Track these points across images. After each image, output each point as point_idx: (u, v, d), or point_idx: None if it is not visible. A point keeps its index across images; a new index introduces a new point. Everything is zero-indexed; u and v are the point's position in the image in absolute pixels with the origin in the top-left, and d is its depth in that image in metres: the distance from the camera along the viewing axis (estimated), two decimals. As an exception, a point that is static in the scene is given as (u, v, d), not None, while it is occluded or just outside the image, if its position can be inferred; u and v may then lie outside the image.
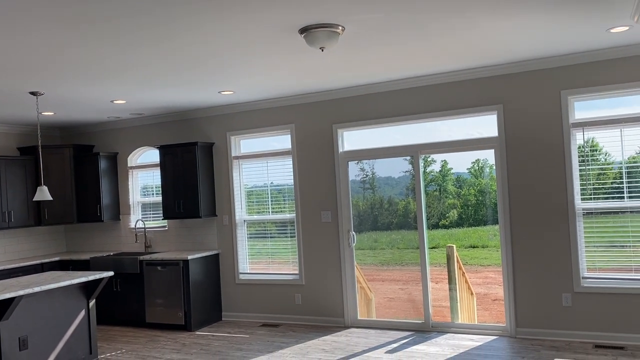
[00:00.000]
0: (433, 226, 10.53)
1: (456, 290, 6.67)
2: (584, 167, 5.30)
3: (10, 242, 7.48)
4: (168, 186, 7.05)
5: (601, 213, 5.26)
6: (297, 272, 6.70)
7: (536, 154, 5.43)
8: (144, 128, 7.62)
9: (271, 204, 6.96)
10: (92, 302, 5.55)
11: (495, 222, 5.70)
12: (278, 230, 6.92)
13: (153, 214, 7.69)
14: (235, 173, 7.06)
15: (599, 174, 5.35)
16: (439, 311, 6.76)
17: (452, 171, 10.54)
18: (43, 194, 5.45)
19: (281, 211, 6.87)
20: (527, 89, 5.45)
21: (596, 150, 5.33)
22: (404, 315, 6.76)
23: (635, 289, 5.04)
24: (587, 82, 5.19)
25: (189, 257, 6.59)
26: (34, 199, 5.65)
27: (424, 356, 5.15)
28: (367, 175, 6.93)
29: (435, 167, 10.21)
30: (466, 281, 6.98)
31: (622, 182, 5.18)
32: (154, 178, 7.64)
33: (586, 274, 5.29)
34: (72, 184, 7.60)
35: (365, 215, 7.13)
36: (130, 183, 7.80)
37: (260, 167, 7.00)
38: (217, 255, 7.10)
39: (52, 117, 7.07)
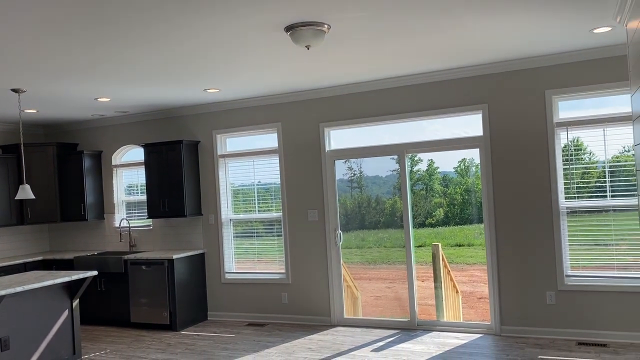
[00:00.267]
0: (420, 225, 10.59)
1: (441, 288, 6.71)
2: (568, 166, 5.35)
3: (-8, 242, 7.38)
4: (153, 185, 7.00)
5: (585, 212, 5.31)
6: (283, 271, 6.69)
7: (521, 153, 5.47)
8: (128, 126, 7.55)
9: (258, 203, 6.94)
10: (76, 302, 5.49)
11: (481, 220, 5.74)
12: (265, 229, 6.90)
13: (138, 213, 7.63)
14: (221, 172, 7.02)
15: (584, 173, 5.40)
16: (425, 309, 6.79)
17: (439, 170, 10.59)
18: (25, 192, 5.38)
19: (268, 210, 6.85)
20: (512, 88, 5.49)
21: (580, 150, 5.39)
22: (390, 314, 6.78)
23: (618, 287, 5.10)
24: (571, 82, 5.24)
25: (174, 257, 6.54)
26: (16, 198, 5.57)
27: (409, 354, 5.16)
28: (354, 174, 6.93)
29: (422, 167, 10.25)
30: (451, 279, 7.02)
31: (605, 182, 5.24)
32: (139, 176, 7.57)
33: (570, 272, 5.34)
34: (56, 183, 7.50)
35: (352, 214, 7.13)
36: (114, 182, 7.73)
37: (246, 166, 6.97)
38: (202, 254, 7.06)
39: (35, 114, 6.98)
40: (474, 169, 9.24)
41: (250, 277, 6.86)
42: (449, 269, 7.03)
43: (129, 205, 7.75)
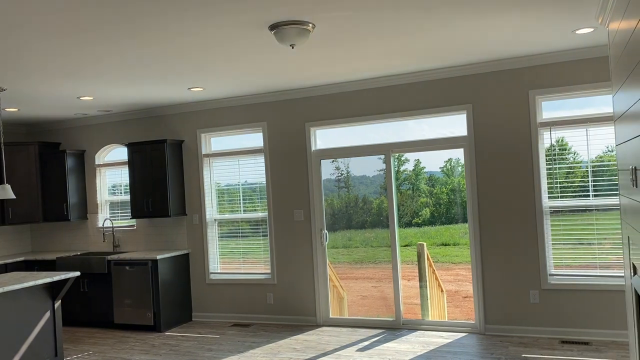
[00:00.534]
0: (406, 224, 10.62)
1: (427, 287, 6.73)
2: (551, 166, 5.39)
3: (-27, 242, 7.26)
4: (136, 184, 6.93)
5: (568, 211, 5.35)
6: (269, 271, 6.66)
7: (505, 153, 5.50)
8: (112, 125, 7.47)
9: (243, 203, 6.91)
10: (58, 303, 5.42)
11: (466, 220, 5.76)
12: (251, 229, 6.87)
13: (121, 213, 7.56)
14: (205, 171, 6.97)
15: (568, 173, 5.44)
16: (411, 308, 6.81)
17: (425, 170, 10.64)
18: (5, 192, 5.30)
19: (254, 210, 6.82)
20: (496, 88, 5.51)
21: (565, 150, 5.43)
22: (376, 313, 6.79)
23: (600, 285, 5.15)
24: (554, 82, 5.28)
25: (158, 257, 6.48)
26: (-4, 198, 5.48)
27: (394, 354, 5.17)
28: (342, 174, 6.93)
29: (409, 166, 10.28)
30: (436, 278, 7.05)
31: (587, 181, 5.28)
32: (122, 176, 7.50)
33: (553, 271, 5.38)
34: (38, 182, 7.40)
35: (340, 214, 7.13)
36: (98, 181, 7.64)
37: (231, 166, 6.93)
38: (187, 254, 7.01)
39: (17, 113, 6.88)
40: (459, 168, 9.30)
41: (235, 278, 6.83)
42: (434, 269, 7.05)
43: (113, 205, 7.67)
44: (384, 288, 6.55)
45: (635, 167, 2.76)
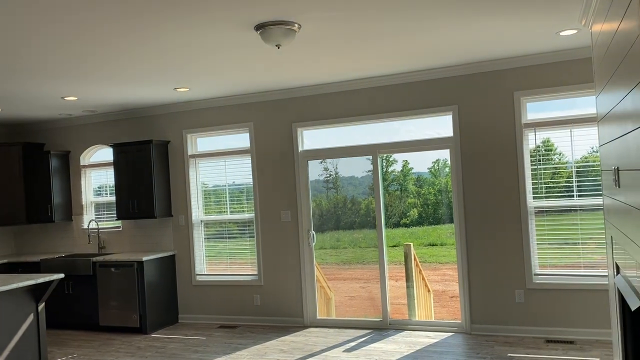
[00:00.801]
0: (394, 225, 10.64)
1: (413, 287, 6.75)
2: (536, 167, 5.43)
3: (-46, 245, 7.16)
4: (122, 186, 6.88)
5: (553, 211, 5.40)
6: (255, 272, 6.64)
7: (490, 154, 5.53)
8: (97, 125, 7.41)
9: (229, 204, 6.88)
10: (42, 306, 5.34)
11: (453, 220, 5.78)
12: (238, 230, 6.84)
13: (107, 214, 7.49)
14: (191, 172, 6.93)
15: (554, 173, 5.48)
16: (398, 309, 6.82)
17: (413, 171, 10.67)
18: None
19: (241, 211, 6.79)
20: (481, 90, 5.55)
21: (550, 150, 5.47)
22: (364, 314, 6.79)
23: (584, 285, 5.19)
24: (538, 83, 5.32)
25: (144, 259, 6.43)
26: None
27: (381, 354, 5.17)
28: (330, 175, 6.93)
29: (397, 167, 10.31)
30: (423, 279, 7.07)
31: (571, 182, 5.33)
32: (108, 177, 7.44)
33: (538, 271, 5.42)
34: (22, 184, 7.31)
35: (328, 215, 7.13)
36: (82, 182, 7.57)
37: (218, 166, 6.90)
38: (173, 256, 6.96)
39: (-1, 113, 6.80)
40: (447, 169, 9.36)
41: (221, 279, 6.79)
42: (421, 269, 7.07)
43: (98, 207, 7.61)
44: (372, 288, 6.56)
45: (617, 168, 2.79)
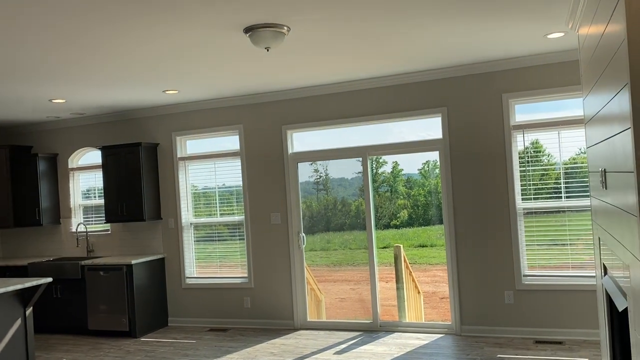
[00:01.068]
0: (385, 226, 10.67)
1: (403, 289, 6.76)
2: (525, 168, 5.47)
3: (-60, 249, 7.07)
4: (111, 188, 6.83)
5: (541, 212, 5.43)
6: (245, 275, 6.62)
7: (479, 156, 5.56)
8: (85, 128, 7.35)
9: (219, 206, 6.85)
10: (29, 310, 5.29)
11: (443, 221, 5.80)
12: (228, 232, 6.81)
13: (95, 217, 7.44)
14: (181, 174, 6.90)
15: (543, 175, 5.52)
16: (388, 310, 6.83)
17: (403, 172, 10.70)
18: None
19: (231, 213, 6.77)
20: (470, 92, 5.57)
21: (540, 152, 5.51)
22: (354, 316, 6.80)
23: (573, 285, 5.23)
24: (526, 85, 5.35)
25: (133, 262, 6.39)
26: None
27: (371, 356, 5.17)
28: (320, 177, 6.93)
29: (387, 168, 10.33)
30: (413, 280, 7.09)
31: (560, 183, 5.37)
32: (96, 180, 7.38)
33: (527, 272, 5.45)
34: (9, 187, 7.24)
35: (318, 217, 7.12)
36: (71, 185, 7.51)
37: (207, 169, 6.88)
38: (162, 259, 6.92)
39: (-14, 116, 6.73)
40: (437, 170, 9.41)
41: (211, 282, 6.77)
42: (411, 270, 7.09)
43: (86, 210, 7.55)
44: (362, 290, 6.56)
45: (604, 170, 2.82)
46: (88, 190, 7.60)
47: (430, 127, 5.91)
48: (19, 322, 5.20)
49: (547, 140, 5.44)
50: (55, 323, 6.76)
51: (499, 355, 4.93)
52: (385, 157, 7.40)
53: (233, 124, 6.60)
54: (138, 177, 6.67)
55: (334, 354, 5.34)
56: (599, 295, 3.81)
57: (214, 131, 6.71)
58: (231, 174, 6.73)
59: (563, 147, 5.34)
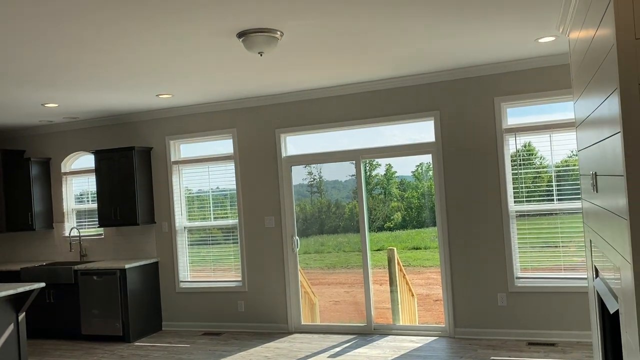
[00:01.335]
0: (378, 229, 10.68)
1: (397, 292, 6.77)
2: (517, 171, 5.50)
3: None
4: (104, 192, 6.82)
5: (534, 215, 5.47)
6: (239, 278, 6.61)
7: (471, 159, 5.59)
8: (78, 132, 7.33)
9: (213, 210, 6.85)
10: (22, 315, 5.27)
11: (436, 224, 5.82)
12: (223, 236, 6.81)
13: (88, 221, 7.41)
14: (174, 178, 6.89)
15: (535, 177, 5.56)
16: (382, 313, 6.84)
17: (396, 174, 10.72)
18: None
19: (225, 217, 6.77)
20: (463, 95, 5.61)
21: (532, 155, 5.55)
22: (348, 319, 6.80)
23: (565, 287, 5.27)
24: (518, 89, 5.40)
25: (127, 266, 6.38)
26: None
27: (365, 359, 5.19)
28: (314, 179, 6.94)
29: (380, 171, 10.35)
30: (407, 283, 7.10)
31: (552, 186, 5.41)
32: (90, 184, 7.36)
33: (520, 274, 5.49)
34: (1, 191, 7.21)
35: (312, 219, 7.13)
36: (64, 189, 7.48)
37: (201, 172, 6.87)
38: (156, 263, 6.91)
39: (-22, 120, 6.70)
40: (430, 173, 9.45)
41: (205, 286, 6.76)
42: (404, 273, 7.11)
43: (80, 214, 7.52)
44: (356, 293, 6.57)
45: (595, 173, 2.85)
46: (81, 195, 7.57)
47: (423, 130, 5.94)
48: (11, 327, 5.17)
49: (539, 143, 5.49)
50: (48, 328, 6.72)
51: (492, 357, 4.96)
52: (378, 160, 7.41)
53: (227, 128, 6.60)
54: (131, 181, 6.66)
55: (329, 357, 5.34)
56: (590, 297, 3.84)
57: (207, 135, 6.71)
58: (225, 178, 6.73)
59: (555, 150, 5.38)
